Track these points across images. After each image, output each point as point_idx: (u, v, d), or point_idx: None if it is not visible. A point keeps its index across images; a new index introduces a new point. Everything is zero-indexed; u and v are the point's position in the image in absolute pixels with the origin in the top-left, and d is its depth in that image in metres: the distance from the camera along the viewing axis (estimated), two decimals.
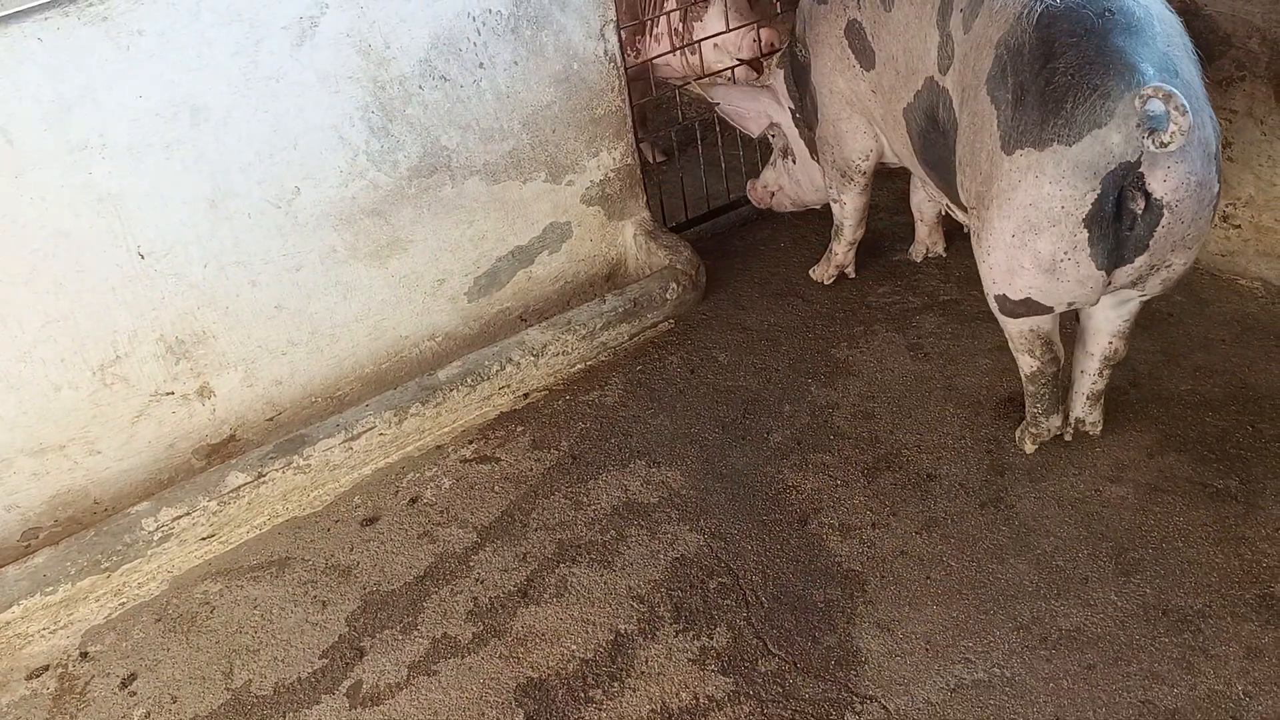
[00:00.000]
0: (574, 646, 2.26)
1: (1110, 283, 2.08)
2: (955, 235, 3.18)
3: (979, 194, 2.14)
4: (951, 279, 3.14)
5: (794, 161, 3.20)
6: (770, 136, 3.26)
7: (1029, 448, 2.49)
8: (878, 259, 3.27)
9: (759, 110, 3.11)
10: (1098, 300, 2.16)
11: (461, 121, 2.91)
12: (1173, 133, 1.80)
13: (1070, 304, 2.15)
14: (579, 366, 3.09)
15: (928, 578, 2.26)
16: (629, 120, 3.21)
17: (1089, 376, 2.41)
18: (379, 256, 2.94)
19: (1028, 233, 2.04)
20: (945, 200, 2.64)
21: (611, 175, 3.24)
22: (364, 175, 2.82)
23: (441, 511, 2.67)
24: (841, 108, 2.77)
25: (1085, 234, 1.98)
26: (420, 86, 2.82)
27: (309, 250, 2.82)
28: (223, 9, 2.49)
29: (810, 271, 3.26)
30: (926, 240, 3.20)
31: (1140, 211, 1.96)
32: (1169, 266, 2.08)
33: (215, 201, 2.63)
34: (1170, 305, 2.83)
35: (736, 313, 3.19)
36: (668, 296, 3.13)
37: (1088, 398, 2.44)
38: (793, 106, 3.07)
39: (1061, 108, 1.93)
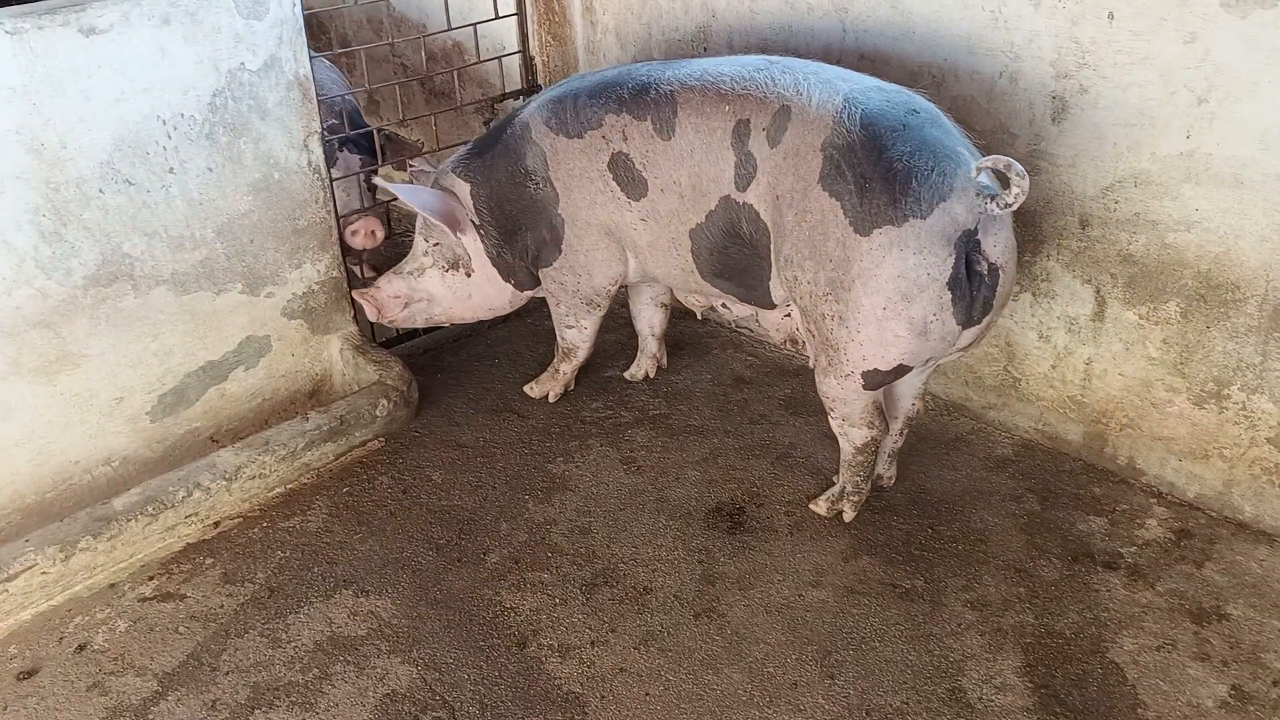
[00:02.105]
0: None
1: (955, 343, 2.32)
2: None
3: (831, 280, 2.29)
4: (660, 395, 3.23)
5: (468, 275, 3.02)
6: (428, 244, 3.01)
7: (849, 515, 2.66)
8: (591, 375, 3.31)
9: (447, 214, 2.91)
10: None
11: (147, 228, 2.71)
12: (1016, 195, 2.09)
13: (926, 362, 2.37)
14: (278, 490, 2.89)
15: (647, 694, 2.24)
16: (334, 232, 3.11)
17: (892, 437, 2.70)
18: (46, 373, 2.64)
19: (900, 302, 2.21)
20: (720, 302, 2.80)
21: (316, 288, 3.11)
22: (31, 283, 2.55)
23: (115, 659, 2.37)
24: (598, 239, 2.78)
25: (949, 295, 2.21)
26: (101, 190, 2.60)
27: None
28: None
29: (527, 388, 3.24)
30: (656, 353, 3.28)
31: (985, 273, 2.22)
32: (990, 326, 2.36)
33: None
34: None
35: (451, 430, 3.12)
36: (377, 414, 3.01)
37: (889, 455, 2.73)
38: (476, 221, 2.94)
39: (908, 188, 2.16)
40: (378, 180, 2.96)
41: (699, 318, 3.09)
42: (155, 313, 2.79)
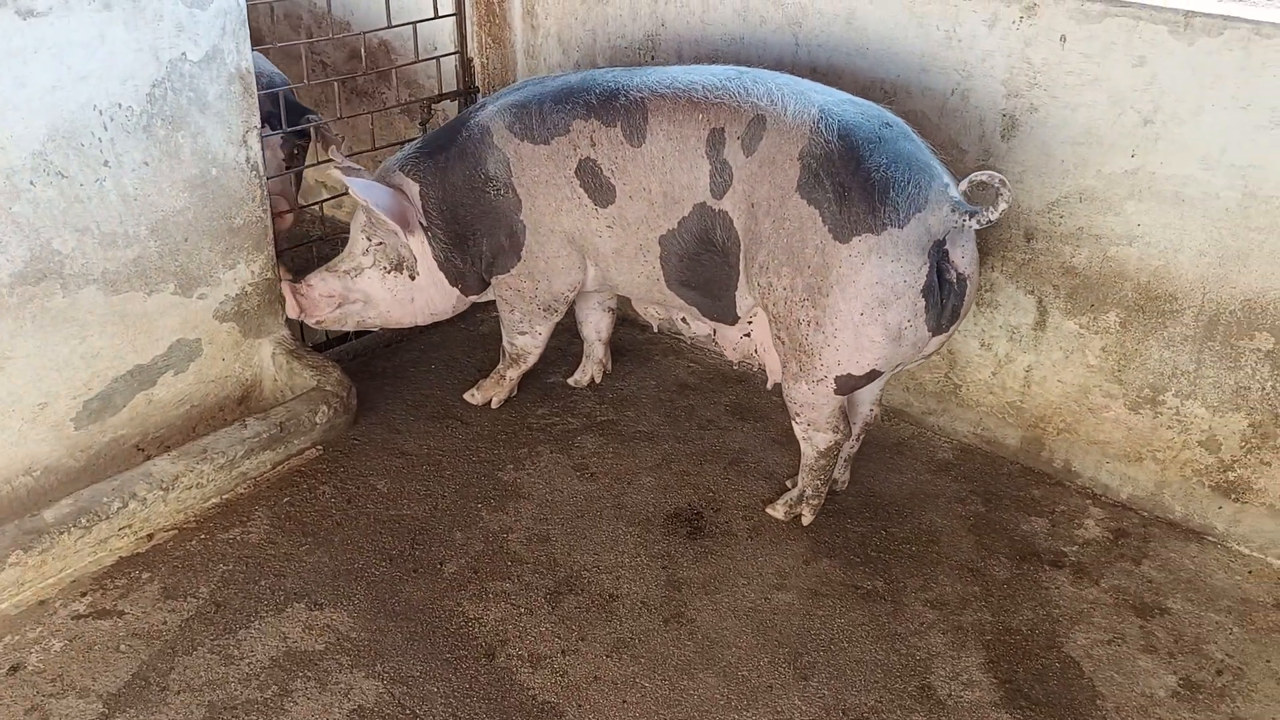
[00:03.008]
0: None
1: (924, 349, 2.39)
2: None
3: (809, 286, 2.33)
4: (606, 400, 3.22)
5: (411, 278, 2.92)
6: (370, 243, 2.91)
7: (808, 518, 2.70)
8: (533, 381, 3.27)
9: (399, 214, 2.82)
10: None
11: (79, 224, 2.55)
12: (1002, 210, 2.16)
13: (895, 367, 2.44)
14: (214, 501, 2.76)
15: (624, 701, 2.22)
16: (270, 232, 3.00)
17: (849, 442, 2.75)
18: None
19: (877, 308, 2.27)
20: (681, 316, 2.80)
21: (249, 289, 2.99)
22: None
23: (53, 680, 2.22)
24: (560, 245, 2.74)
25: (923, 302, 2.28)
26: (32, 182, 2.44)
27: None
28: None
29: (468, 395, 3.18)
30: (602, 359, 3.26)
31: (955, 282, 2.29)
32: (954, 333, 2.44)
33: None
34: None
35: (392, 437, 3.03)
36: (317, 420, 2.91)
37: (844, 460, 2.79)
38: (425, 223, 2.85)
39: (886, 197, 2.22)
40: (334, 171, 2.85)
41: (656, 330, 3.09)
42: (84, 313, 2.64)
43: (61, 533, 2.45)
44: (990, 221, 2.20)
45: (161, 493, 2.62)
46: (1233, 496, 2.60)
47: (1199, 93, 2.33)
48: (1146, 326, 2.59)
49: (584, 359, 3.28)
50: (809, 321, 2.35)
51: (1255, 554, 2.61)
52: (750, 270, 2.44)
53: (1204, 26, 2.28)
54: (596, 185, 2.61)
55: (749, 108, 2.39)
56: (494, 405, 3.17)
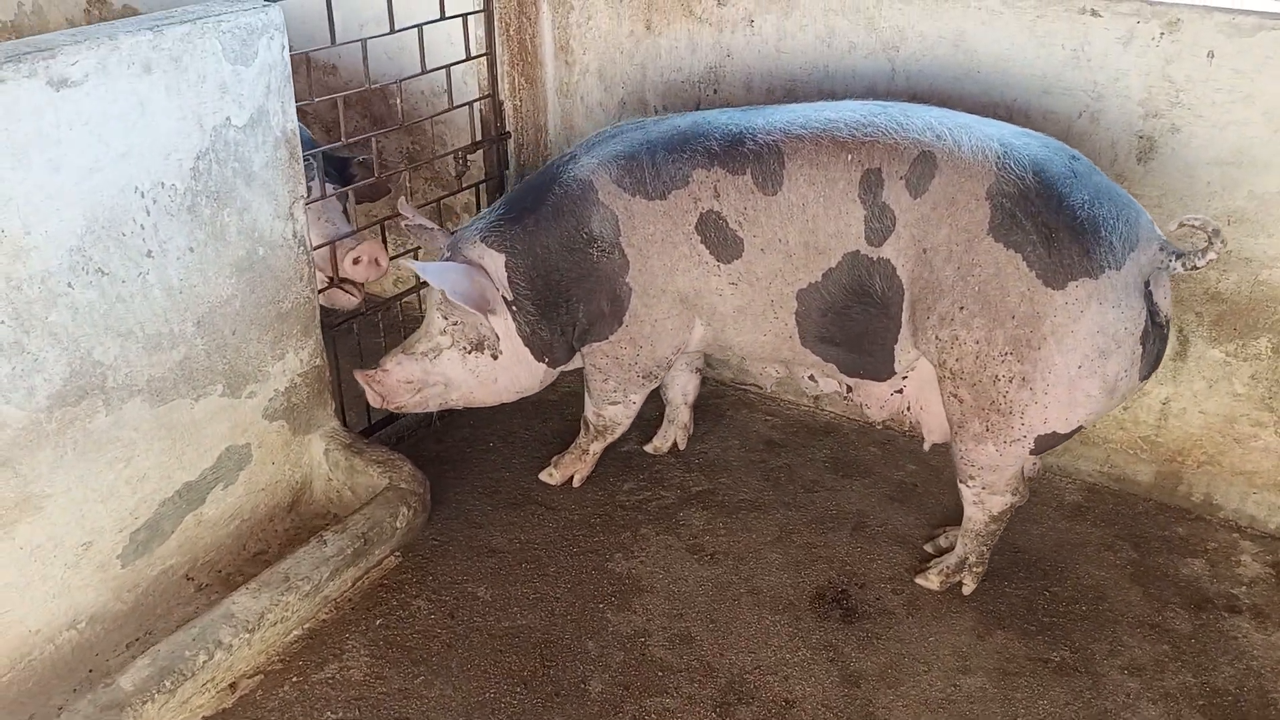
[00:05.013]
0: None
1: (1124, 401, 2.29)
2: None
3: (1013, 338, 2.12)
4: (693, 468, 2.94)
5: (494, 357, 2.61)
6: (446, 322, 2.57)
7: (970, 587, 2.48)
8: (607, 452, 2.95)
9: (478, 298, 2.50)
10: None
11: (122, 327, 2.16)
12: (1209, 259, 2.04)
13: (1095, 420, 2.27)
14: (295, 634, 2.38)
15: None
16: (318, 314, 2.63)
17: None
18: (2, 525, 2.04)
19: (1097, 359, 2.09)
20: (809, 374, 2.53)
21: (299, 381, 2.61)
22: None
23: None
24: (671, 307, 2.46)
25: (1140, 350, 2.11)
26: (70, 284, 2.04)
27: None
28: None
29: (545, 475, 2.86)
30: (687, 423, 2.98)
31: (1164, 325, 2.14)
32: None
33: None
34: (913, 477, 2.88)
35: (475, 532, 2.69)
36: (398, 525, 2.55)
37: None
38: (510, 297, 2.54)
39: (1099, 237, 2.04)
40: (405, 262, 2.50)
41: (768, 390, 2.83)
42: (129, 431, 2.23)
43: (144, 701, 2.04)
44: (1195, 268, 2.04)
45: (247, 635, 2.23)
46: None
47: None
48: None
49: (665, 423, 2.99)
50: (1011, 378, 2.13)
51: None
52: (925, 322, 2.20)
53: None
54: (720, 240, 2.34)
55: (909, 144, 2.16)
56: (575, 483, 2.86)
